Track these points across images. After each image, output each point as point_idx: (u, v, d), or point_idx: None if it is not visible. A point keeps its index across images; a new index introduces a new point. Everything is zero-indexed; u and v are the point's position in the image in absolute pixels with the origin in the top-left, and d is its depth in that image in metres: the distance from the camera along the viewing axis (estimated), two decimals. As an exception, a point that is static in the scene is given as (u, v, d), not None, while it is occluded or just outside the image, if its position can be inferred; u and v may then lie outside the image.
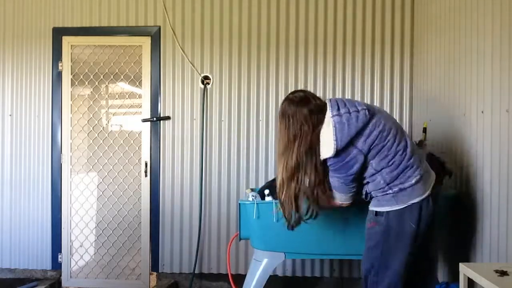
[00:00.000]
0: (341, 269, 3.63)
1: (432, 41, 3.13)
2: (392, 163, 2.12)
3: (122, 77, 3.78)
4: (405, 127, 3.58)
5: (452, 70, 2.76)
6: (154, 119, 3.71)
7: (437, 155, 2.60)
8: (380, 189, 2.16)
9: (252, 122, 3.66)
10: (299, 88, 3.61)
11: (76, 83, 3.79)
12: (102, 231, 3.79)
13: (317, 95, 3.60)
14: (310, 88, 3.62)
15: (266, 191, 2.72)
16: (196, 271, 3.65)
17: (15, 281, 3.74)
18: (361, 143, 2.09)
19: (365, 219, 2.47)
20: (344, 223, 2.50)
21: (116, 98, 3.86)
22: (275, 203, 2.49)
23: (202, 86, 3.70)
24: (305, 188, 2.16)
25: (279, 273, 3.61)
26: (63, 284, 3.79)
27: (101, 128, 3.81)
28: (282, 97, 3.61)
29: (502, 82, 2.14)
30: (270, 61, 3.65)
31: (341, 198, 2.25)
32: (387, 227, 2.16)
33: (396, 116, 3.59)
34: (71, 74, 3.77)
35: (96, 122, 3.81)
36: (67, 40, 3.78)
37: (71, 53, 3.77)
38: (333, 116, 2.09)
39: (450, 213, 2.63)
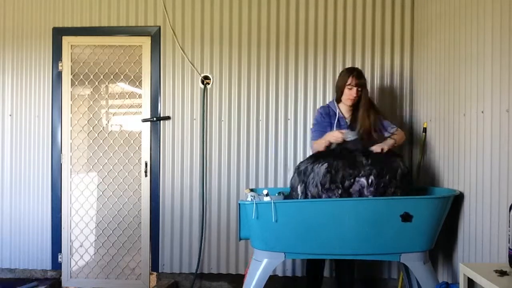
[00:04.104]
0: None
1: (432, 41, 3.13)
2: None
3: (122, 77, 3.78)
4: (405, 127, 3.58)
5: (452, 70, 2.76)
6: (154, 119, 3.71)
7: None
8: None
9: (252, 122, 3.66)
10: (299, 88, 3.63)
11: (76, 83, 3.79)
12: (102, 231, 3.80)
13: (318, 95, 3.67)
14: (310, 88, 3.63)
15: (265, 191, 2.72)
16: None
17: (15, 281, 3.74)
18: None
19: (363, 220, 2.48)
20: (343, 223, 2.50)
21: (116, 98, 3.86)
22: (274, 203, 2.49)
23: (202, 86, 3.70)
24: None
25: (279, 273, 3.61)
26: (63, 284, 3.80)
27: (101, 128, 3.81)
28: (282, 97, 3.63)
29: (502, 82, 2.14)
30: (270, 61, 3.65)
31: None
32: None
33: (396, 116, 3.59)
34: (71, 74, 3.78)
35: (96, 122, 3.81)
36: (67, 40, 3.78)
37: (71, 53, 3.78)
38: None
39: (450, 213, 2.63)
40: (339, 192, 2.57)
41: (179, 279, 3.72)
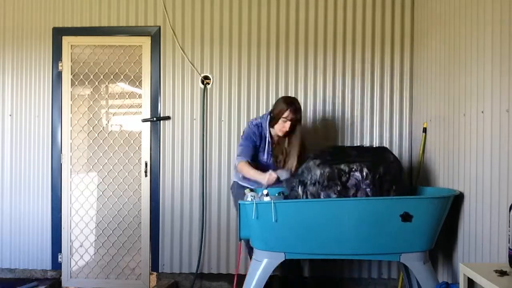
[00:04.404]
0: (341, 269, 3.63)
1: (432, 41, 3.13)
2: None
3: (122, 77, 3.78)
4: (405, 127, 3.59)
5: (452, 70, 2.76)
6: (154, 119, 3.71)
7: None
8: None
9: (252, 122, 3.66)
10: (299, 88, 3.63)
11: (76, 83, 3.79)
12: (102, 231, 3.80)
13: (318, 95, 3.67)
14: (310, 88, 3.63)
15: (265, 191, 2.72)
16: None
17: (15, 281, 3.74)
18: None
19: (364, 220, 2.48)
20: (343, 223, 2.50)
21: (116, 98, 3.86)
22: (274, 203, 2.49)
23: (202, 86, 3.70)
24: None
25: (279, 273, 3.60)
26: (63, 284, 3.80)
27: (101, 128, 3.81)
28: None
29: (502, 82, 2.14)
30: (270, 60, 3.65)
31: None
32: None
33: (396, 116, 3.60)
34: (71, 74, 3.78)
35: (96, 122, 3.81)
36: (67, 40, 3.78)
37: (71, 53, 3.78)
38: None
39: (450, 213, 2.63)
40: (338, 188, 2.57)
41: (179, 279, 3.72)
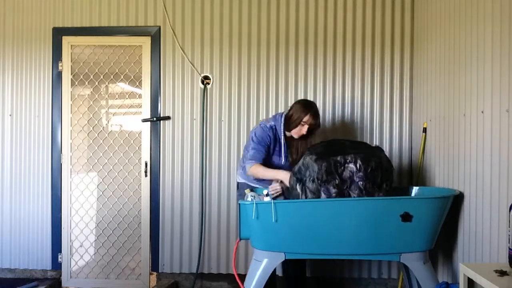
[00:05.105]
0: (341, 269, 3.63)
1: (432, 41, 3.13)
2: None
3: (122, 77, 3.78)
4: (405, 127, 3.59)
5: (452, 70, 2.76)
6: (154, 119, 3.71)
7: None
8: None
9: (252, 122, 3.66)
10: (299, 88, 3.63)
11: (76, 83, 3.79)
12: (102, 231, 3.80)
13: (318, 95, 3.66)
14: (310, 89, 3.63)
15: (265, 191, 2.72)
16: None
17: (15, 281, 3.74)
18: None
19: (364, 220, 2.48)
20: (343, 223, 2.50)
21: (116, 98, 3.86)
22: (274, 203, 2.49)
23: (202, 86, 3.70)
24: None
25: (279, 273, 3.60)
26: (63, 284, 3.80)
27: (101, 128, 3.81)
28: (282, 97, 3.63)
29: (502, 82, 2.14)
30: (270, 61, 3.65)
31: None
32: None
33: (396, 116, 3.60)
34: (71, 74, 3.78)
35: (96, 122, 3.81)
36: (67, 40, 3.78)
37: (71, 53, 3.78)
38: None
39: (450, 213, 2.63)
40: (336, 182, 2.56)
41: (179, 279, 3.72)
